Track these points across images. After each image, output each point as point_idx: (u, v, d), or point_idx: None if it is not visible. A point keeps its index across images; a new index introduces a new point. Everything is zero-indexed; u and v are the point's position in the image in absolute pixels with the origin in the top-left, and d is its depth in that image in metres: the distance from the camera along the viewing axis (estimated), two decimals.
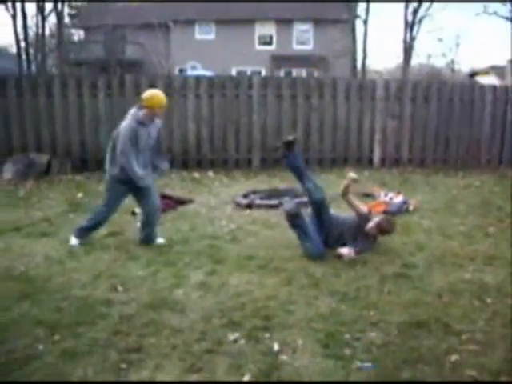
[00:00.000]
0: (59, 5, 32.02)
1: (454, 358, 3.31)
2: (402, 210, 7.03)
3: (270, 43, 34.70)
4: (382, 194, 7.77)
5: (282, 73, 31.52)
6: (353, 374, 3.15)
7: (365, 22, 30.20)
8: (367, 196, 7.89)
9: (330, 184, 8.84)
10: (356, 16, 30.41)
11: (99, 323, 3.80)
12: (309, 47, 33.92)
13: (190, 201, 7.57)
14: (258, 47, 34.63)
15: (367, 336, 3.60)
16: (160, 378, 3.12)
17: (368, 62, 34.75)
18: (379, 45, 58.66)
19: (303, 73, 31.46)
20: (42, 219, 6.66)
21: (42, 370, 3.21)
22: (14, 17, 31.52)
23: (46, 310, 4.01)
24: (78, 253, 5.33)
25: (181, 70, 29.79)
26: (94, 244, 5.63)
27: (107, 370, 3.21)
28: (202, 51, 31.41)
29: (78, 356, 3.36)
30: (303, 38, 34.44)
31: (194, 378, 3.13)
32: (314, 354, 3.37)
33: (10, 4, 30.80)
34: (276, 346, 3.46)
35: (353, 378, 3.11)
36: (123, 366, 3.25)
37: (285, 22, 33.76)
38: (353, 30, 29.72)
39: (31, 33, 35.33)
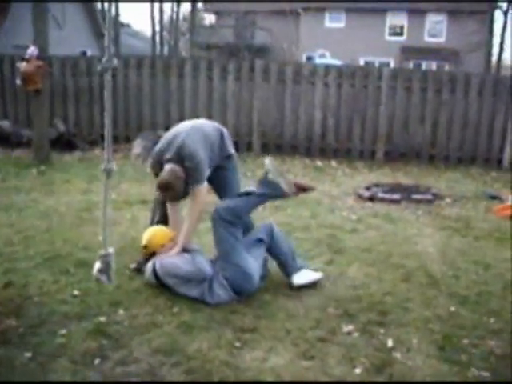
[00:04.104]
0: None
1: None
2: None
3: (400, 34, 33.92)
4: (510, 197, 7.41)
5: (411, 65, 30.73)
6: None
7: (505, 12, 28.65)
8: (494, 198, 7.57)
9: (454, 183, 8.60)
10: (496, 7, 28.92)
11: None
12: (441, 40, 32.84)
13: (312, 189, 7.56)
14: (388, 38, 33.97)
15: (486, 344, 3.46)
16: (272, 360, 3.18)
17: (504, 56, 33.12)
18: None
19: (433, 66, 30.50)
20: None
21: (161, 338, 3.36)
22: (152, 1, 32.84)
23: None
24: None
25: (308, 58, 29.80)
26: None
27: (222, 346, 3.31)
28: (330, 39, 31.26)
29: (195, 329, 3.49)
30: (436, 29, 33.37)
31: (305, 364, 3.16)
32: (428, 356, 3.29)
33: None
34: (390, 343, 3.42)
35: None
36: (237, 344, 3.34)
37: (417, 13, 32.83)
38: (491, 22, 28.32)
39: (165, 17, 36.72)
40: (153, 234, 4.27)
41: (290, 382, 3.04)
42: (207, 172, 4.21)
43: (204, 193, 4.23)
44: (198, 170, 4.12)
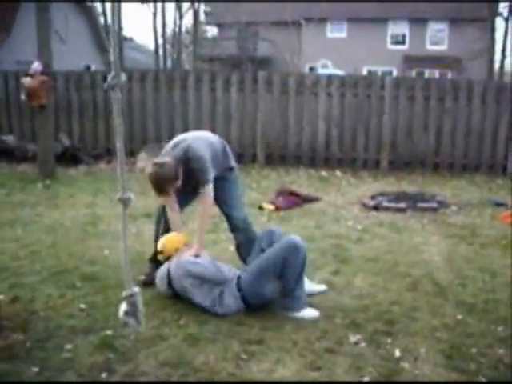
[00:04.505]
0: (196, 3, 33.39)
1: None
2: None
3: (402, 43, 34.00)
4: None
5: (413, 73, 30.78)
6: None
7: (506, 19, 28.67)
8: (499, 205, 7.55)
9: (459, 191, 8.59)
10: (497, 14, 28.93)
11: None
12: (443, 47, 32.90)
13: (317, 199, 7.61)
14: (390, 46, 34.05)
15: (495, 352, 3.43)
16: (280, 371, 3.16)
17: (506, 62, 33.06)
18: None
19: (436, 74, 30.52)
20: None
21: (167, 350, 3.35)
22: (154, 15, 33.25)
23: None
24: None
25: (311, 68, 29.90)
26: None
27: (228, 358, 3.29)
28: (333, 49, 31.32)
29: (202, 342, 3.48)
30: (437, 37, 33.44)
31: (312, 375, 3.14)
32: (436, 365, 3.27)
33: (151, 3, 32.68)
34: (397, 353, 3.39)
35: None
36: (244, 356, 3.32)
37: (419, 21, 32.91)
38: (492, 30, 28.32)
39: (168, 30, 37.06)
40: (168, 238, 4.30)
41: (292, 383, 3.04)
42: (213, 173, 4.27)
43: (211, 192, 4.26)
44: (205, 170, 4.20)
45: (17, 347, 3.36)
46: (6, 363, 3.18)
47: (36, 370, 3.12)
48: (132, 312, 2.93)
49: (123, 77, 2.64)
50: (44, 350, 3.35)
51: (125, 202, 2.80)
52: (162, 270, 4.14)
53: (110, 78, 2.61)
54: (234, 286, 3.94)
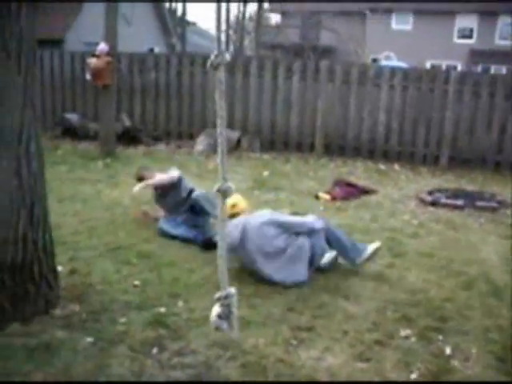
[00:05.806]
0: None
1: None
2: None
3: (469, 37, 33.11)
4: None
5: (479, 69, 29.98)
6: None
7: None
8: None
9: None
10: None
11: (276, 298, 3.94)
12: None
13: (374, 191, 7.54)
14: (457, 40, 33.22)
15: None
16: (328, 360, 3.17)
17: None
18: None
19: (503, 70, 29.65)
20: None
21: (218, 331, 3.37)
22: (218, 0, 33.45)
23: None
24: None
25: (374, 60, 29.51)
26: None
27: (278, 343, 3.33)
28: (397, 41, 30.79)
29: (252, 325, 3.52)
30: (508, 32, 32.42)
31: (360, 366, 3.14)
32: (487, 366, 3.22)
33: None
34: (448, 350, 3.36)
35: None
36: (294, 342, 3.35)
37: (489, 15, 31.98)
38: None
39: (232, 16, 37.18)
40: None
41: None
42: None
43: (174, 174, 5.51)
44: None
45: (73, 317, 3.48)
46: (63, 331, 3.29)
47: (91, 340, 3.22)
48: (226, 315, 2.65)
49: (227, 56, 2.41)
50: (98, 321, 3.45)
51: (225, 193, 2.52)
52: (235, 225, 4.30)
53: (213, 56, 2.39)
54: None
